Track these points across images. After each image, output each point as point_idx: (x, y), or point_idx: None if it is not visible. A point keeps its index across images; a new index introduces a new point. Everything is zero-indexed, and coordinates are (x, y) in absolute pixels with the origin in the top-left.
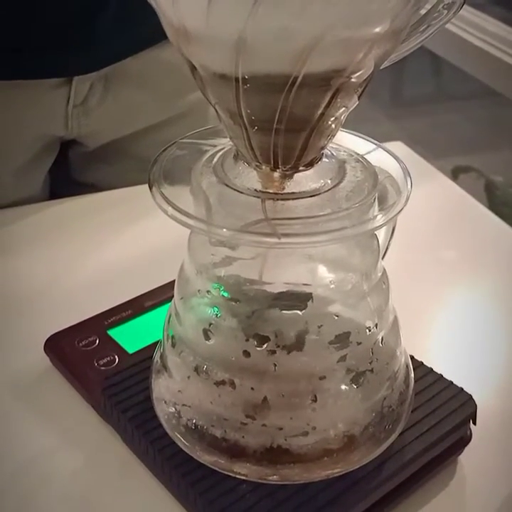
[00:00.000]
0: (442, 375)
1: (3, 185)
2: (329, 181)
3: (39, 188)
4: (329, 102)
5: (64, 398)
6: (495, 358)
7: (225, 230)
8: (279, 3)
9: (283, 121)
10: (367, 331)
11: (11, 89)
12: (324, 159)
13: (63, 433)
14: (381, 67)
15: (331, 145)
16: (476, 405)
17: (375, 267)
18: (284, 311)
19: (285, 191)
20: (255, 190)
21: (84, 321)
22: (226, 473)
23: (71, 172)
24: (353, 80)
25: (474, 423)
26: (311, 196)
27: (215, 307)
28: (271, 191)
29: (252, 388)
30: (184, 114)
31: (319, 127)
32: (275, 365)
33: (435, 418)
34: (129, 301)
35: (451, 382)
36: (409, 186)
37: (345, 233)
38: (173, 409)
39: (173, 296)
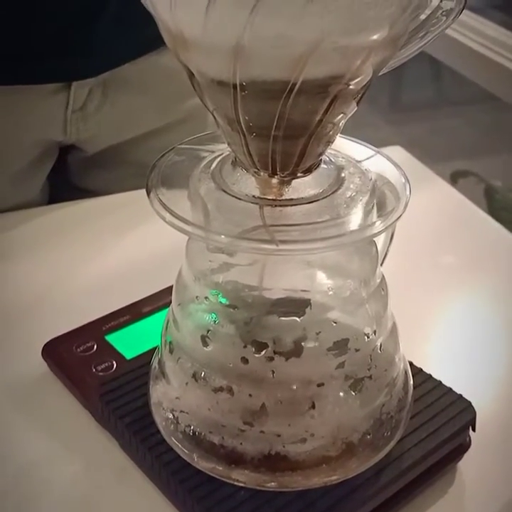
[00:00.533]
0: (441, 382)
1: (1, 190)
2: (327, 187)
3: (38, 194)
4: (327, 109)
5: (62, 404)
6: (494, 365)
7: (223, 236)
8: (277, 11)
9: (281, 127)
10: (365, 337)
11: (10, 94)
12: (322, 165)
13: (61, 439)
14: (380, 74)
15: (329, 151)
16: (475, 412)
17: (373, 273)
18: (282, 318)
19: (283, 197)
20: (253, 196)
21: (82, 326)
22: (224, 479)
23: (70, 177)
24: (351, 86)
25: (473, 430)
26: (309, 203)
27: (213, 313)
28: (269, 197)
29: (250, 395)
30: (183, 120)
31: (317, 134)
32: (273, 371)
33: (434, 425)
34: (126, 307)
35: (450, 389)
36: (407, 192)
37: (343, 240)
38: (171, 415)
39: (171, 301)
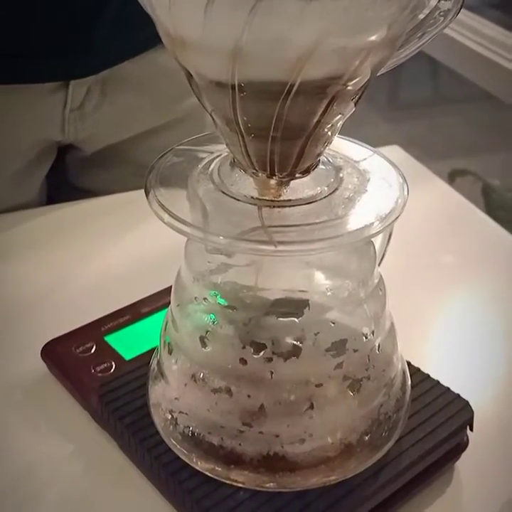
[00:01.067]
0: (439, 382)
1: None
2: (326, 188)
3: (36, 193)
4: (325, 110)
5: (61, 405)
6: (492, 364)
7: (221, 237)
8: (275, 12)
9: (279, 128)
10: (363, 337)
11: (8, 94)
12: (320, 166)
13: (60, 440)
14: (378, 74)
15: (327, 152)
16: (472, 411)
17: (371, 273)
18: (280, 319)
19: (281, 198)
20: (251, 197)
21: (81, 327)
22: (223, 480)
23: (68, 177)
24: (349, 87)
25: (471, 429)
26: (307, 203)
27: (211, 314)
28: (267, 198)
29: (249, 396)
30: (181, 120)
31: (315, 135)
32: (272, 372)
33: (432, 424)
34: (125, 308)
35: (448, 389)
36: (405, 193)
37: (341, 241)
38: (170, 416)
39: (169, 302)
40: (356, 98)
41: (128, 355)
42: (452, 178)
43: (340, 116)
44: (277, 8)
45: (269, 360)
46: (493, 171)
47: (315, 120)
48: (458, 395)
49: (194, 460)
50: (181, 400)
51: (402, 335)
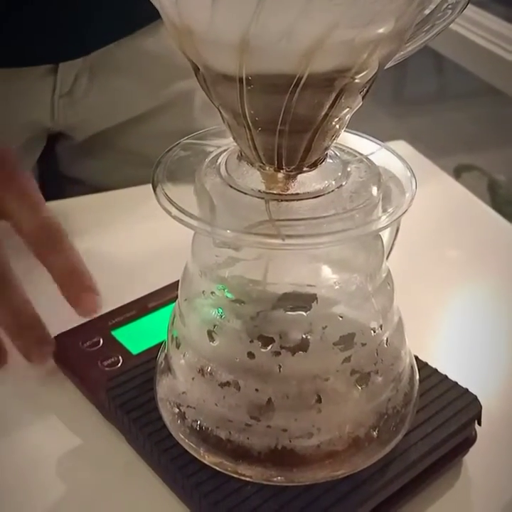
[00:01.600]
0: (447, 376)
1: None
2: (333, 182)
3: None
4: (333, 103)
5: (68, 399)
6: (500, 359)
7: (228, 231)
8: (283, 5)
9: (287, 122)
10: (372, 331)
11: None
12: (328, 160)
13: (67, 434)
14: (385, 67)
15: (334, 145)
16: (481, 406)
17: (379, 267)
18: (288, 313)
19: (289, 192)
20: (259, 191)
21: (88, 321)
22: (231, 474)
23: (59, 167)
24: (357, 80)
25: (479, 424)
26: (315, 197)
27: (219, 308)
28: (275, 192)
29: (257, 390)
30: (169, 104)
31: (323, 128)
32: (280, 366)
33: (440, 419)
34: (132, 302)
35: (456, 383)
36: (413, 187)
37: (349, 234)
38: (178, 410)
39: (177, 296)
40: (364, 91)
41: (135, 350)
42: (458, 173)
43: (348, 109)
44: (285, 1)
45: (277, 354)
46: (499, 167)
47: (323, 113)
48: (466, 390)
49: (202, 454)
50: (189, 394)
51: (409, 329)
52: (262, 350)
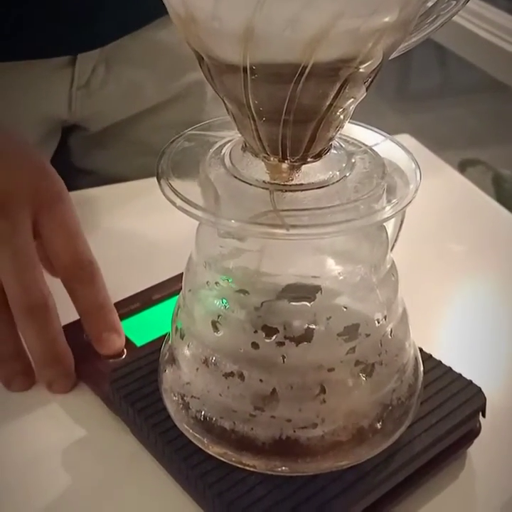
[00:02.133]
0: (451, 368)
1: None
2: (338, 173)
3: None
4: (337, 93)
5: (72, 391)
6: (504, 351)
7: (233, 221)
8: None
9: (291, 112)
10: (376, 322)
11: (14, 71)
12: (333, 151)
13: (72, 425)
14: (389, 58)
15: (339, 136)
16: (485, 398)
17: (383, 258)
18: (292, 303)
19: (293, 183)
20: (263, 181)
21: None
22: (235, 464)
23: (71, 159)
24: (361, 70)
25: (483, 415)
26: (319, 188)
27: (223, 299)
28: (279, 183)
29: (261, 380)
30: (182, 95)
31: (327, 118)
32: (284, 356)
33: (444, 410)
34: (136, 294)
35: (460, 375)
36: (418, 178)
37: (353, 225)
38: (182, 401)
39: (181, 288)
40: (368, 82)
41: (139, 342)
42: (463, 167)
43: (352, 100)
44: None
45: (281, 344)
46: (504, 161)
47: (327, 103)
48: (470, 382)
49: (206, 444)
50: (193, 385)
51: (414, 321)
52: (266, 340)
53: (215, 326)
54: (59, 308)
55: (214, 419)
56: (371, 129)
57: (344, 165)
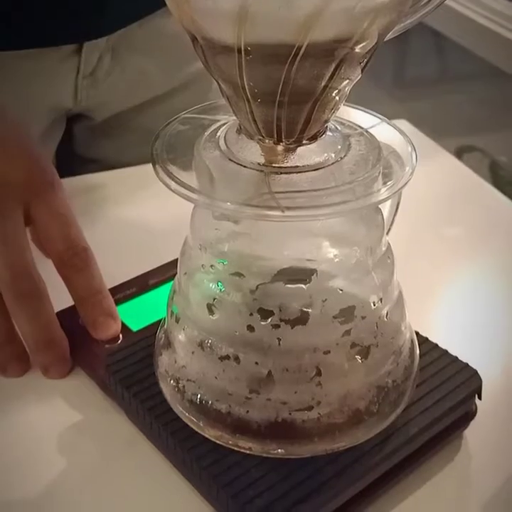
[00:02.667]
0: (447, 351)
1: None
2: (333, 155)
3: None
4: (333, 74)
5: (68, 376)
6: (500, 334)
7: (228, 203)
8: None
9: (286, 93)
10: (372, 305)
11: (20, 60)
12: (328, 133)
13: (68, 410)
14: (385, 39)
15: (335, 119)
16: (481, 380)
17: (379, 241)
18: (288, 285)
19: (289, 165)
20: (259, 163)
21: None
22: (231, 447)
23: (75, 148)
24: (356, 50)
25: (479, 398)
26: (315, 170)
27: (218, 282)
28: (274, 165)
29: (257, 363)
30: (187, 84)
31: (323, 100)
32: (279, 339)
33: (440, 393)
34: (132, 279)
35: (457, 358)
36: (413, 160)
37: (349, 206)
38: (178, 384)
39: (177, 272)
40: (364, 63)
41: (135, 327)
42: (459, 154)
43: (347, 81)
44: None
45: (277, 326)
46: (501, 148)
47: (322, 84)
48: (466, 364)
49: (202, 427)
50: (189, 368)
51: (411, 305)
52: (262, 323)
53: (210, 309)
54: (55, 294)
55: (210, 402)
56: (367, 112)
57: (340, 147)
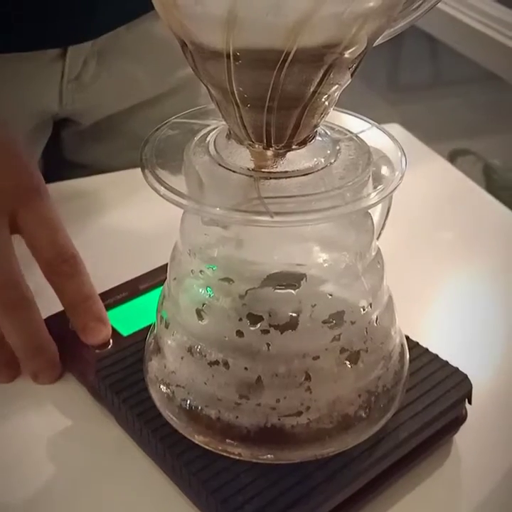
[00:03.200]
0: (438, 355)
1: None
2: (323, 160)
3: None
4: (322, 79)
5: (58, 381)
6: (490, 338)
7: (217, 208)
8: None
9: (275, 98)
10: (361, 310)
11: (4, 64)
12: (318, 138)
13: (58, 415)
14: (375, 44)
15: (324, 123)
16: (471, 385)
17: (369, 246)
18: (277, 290)
19: (278, 170)
20: (248, 169)
21: None
22: (220, 453)
23: (64, 153)
24: (346, 55)
25: (470, 402)
26: (304, 175)
27: (208, 287)
28: (264, 170)
29: (246, 368)
30: (176, 89)
31: (312, 105)
32: (269, 344)
33: (430, 397)
34: (123, 284)
35: (447, 362)
36: (403, 165)
37: (338, 211)
38: (167, 389)
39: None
40: (353, 68)
41: (125, 331)
42: (453, 158)
43: (337, 86)
44: None
45: (266, 332)
46: (494, 152)
47: (311, 90)
48: (457, 369)
49: (191, 433)
50: (178, 374)
51: (401, 310)
52: (251, 328)
53: (199, 314)
54: (46, 299)
55: (199, 407)
56: (357, 117)
57: (329, 152)
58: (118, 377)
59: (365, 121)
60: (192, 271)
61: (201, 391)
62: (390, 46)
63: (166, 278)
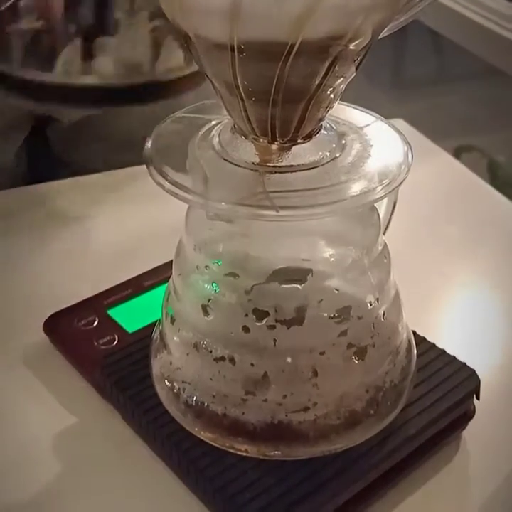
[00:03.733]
0: (445, 350)
1: None
2: (328, 154)
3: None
4: (327, 72)
5: (64, 378)
6: (498, 333)
7: (222, 203)
8: None
9: (280, 91)
10: (368, 305)
11: None
12: (323, 132)
13: (63, 412)
14: (380, 37)
15: (329, 117)
16: (479, 380)
17: (375, 240)
18: (283, 286)
19: (283, 164)
20: (253, 163)
21: (84, 300)
22: (227, 449)
23: (51, 150)
24: (351, 47)
25: (478, 398)
26: (309, 169)
27: (213, 283)
28: (269, 164)
29: (252, 364)
30: None
31: (317, 98)
32: (275, 340)
33: (438, 393)
34: (128, 281)
35: (454, 357)
36: (409, 158)
37: (344, 205)
38: (173, 386)
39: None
40: (358, 61)
41: (131, 328)
42: (458, 154)
43: (342, 79)
44: None
45: (272, 327)
46: (499, 148)
47: (316, 83)
48: (464, 364)
49: (197, 430)
50: (184, 370)
51: (407, 305)
52: (257, 324)
53: (205, 310)
54: (51, 300)
55: (205, 404)
56: (363, 111)
57: (335, 146)
58: (124, 374)
59: (371, 114)
60: (197, 266)
61: (207, 387)
62: (394, 41)
63: (171, 274)
